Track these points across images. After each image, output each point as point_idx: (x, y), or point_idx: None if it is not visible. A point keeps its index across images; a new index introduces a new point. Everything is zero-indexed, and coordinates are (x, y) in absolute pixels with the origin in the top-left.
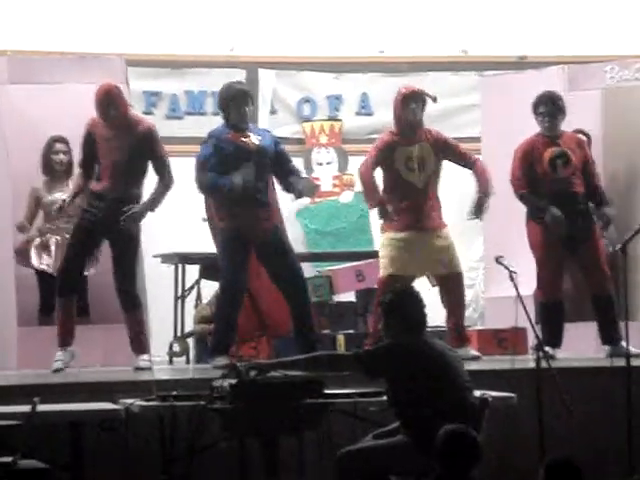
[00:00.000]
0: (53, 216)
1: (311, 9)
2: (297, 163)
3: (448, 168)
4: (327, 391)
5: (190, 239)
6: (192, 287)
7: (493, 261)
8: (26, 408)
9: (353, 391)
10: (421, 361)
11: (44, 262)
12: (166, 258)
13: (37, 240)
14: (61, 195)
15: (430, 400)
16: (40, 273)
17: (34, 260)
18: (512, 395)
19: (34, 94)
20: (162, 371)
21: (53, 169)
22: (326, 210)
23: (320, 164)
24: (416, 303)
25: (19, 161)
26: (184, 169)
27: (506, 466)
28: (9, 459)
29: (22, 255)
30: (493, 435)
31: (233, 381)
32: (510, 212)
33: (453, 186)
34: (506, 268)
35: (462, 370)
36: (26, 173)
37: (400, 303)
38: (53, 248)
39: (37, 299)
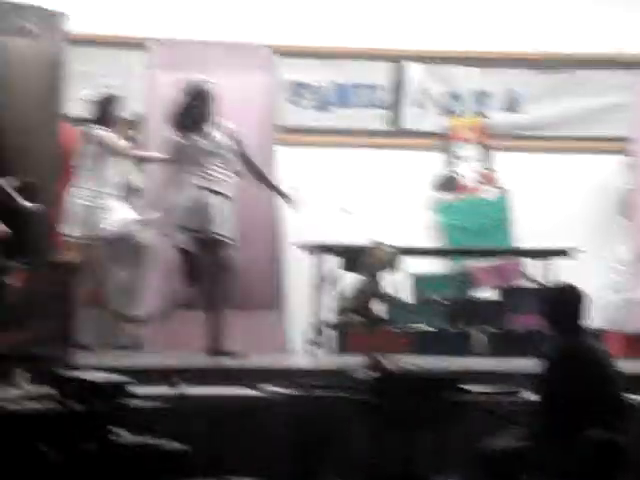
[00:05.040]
0: None
1: (462, 2)
2: (440, 158)
3: (588, 163)
4: (467, 387)
5: (332, 230)
6: (332, 278)
7: None
8: (169, 391)
9: (493, 389)
10: (582, 364)
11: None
12: (306, 248)
13: None
14: None
15: (586, 404)
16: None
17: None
18: None
19: (183, 81)
20: (303, 360)
21: None
22: (468, 206)
23: (464, 160)
24: (578, 301)
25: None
26: (327, 160)
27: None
28: (152, 440)
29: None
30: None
31: (374, 373)
32: None
33: (594, 182)
34: None
35: (619, 373)
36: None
37: (564, 301)
38: None
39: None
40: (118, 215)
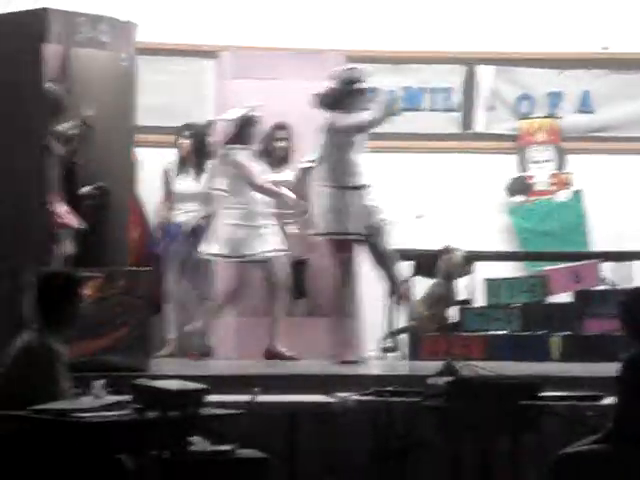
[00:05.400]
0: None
1: (532, 5)
2: (511, 160)
3: None
4: (544, 393)
5: (404, 235)
6: (406, 283)
7: None
8: (245, 397)
9: (570, 394)
10: None
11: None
12: None
13: None
14: (283, 177)
15: None
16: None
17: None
18: None
19: (254, 89)
20: (376, 366)
21: (273, 154)
22: (541, 209)
23: (537, 162)
24: None
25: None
26: (399, 165)
27: None
28: (229, 447)
29: None
30: None
31: (449, 379)
32: None
33: None
34: None
35: None
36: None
37: (628, 304)
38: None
39: (257, 290)
40: (264, 240)
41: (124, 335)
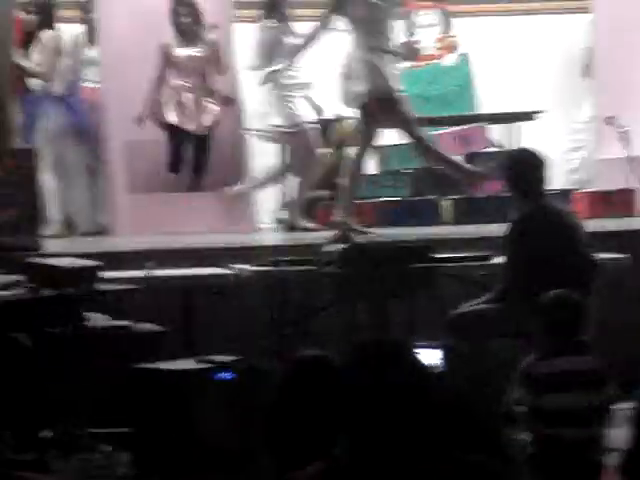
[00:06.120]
0: (185, 73)
1: None
2: (398, 26)
3: (550, 24)
4: (436, 255)
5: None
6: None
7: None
8: (140, 273)
9: (462, 255)
10: (545, 226)
11: (176, 118)
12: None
13: (172, 96)
14: (192, 51)
15: (549, 265)
16: (171, 129)
17: (168, 116)
18: (626, 256)
19: None
20: (272, 238)
21: (180, 29)
22: (428, 74)
23: (422, 26)
24: (538, 164)
25: (142, 17)
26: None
27: (614, 326)
28: (125, 322)
29: (156, 111)
30: (603, 295)
31: (343, 246)
32: (624, 69)
33: (556, 43)
34: (617, 128)
35: (583, 233)
36: (153, 29)
37: (514, 165)
38: (189, 105)
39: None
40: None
41: (13, 214)
